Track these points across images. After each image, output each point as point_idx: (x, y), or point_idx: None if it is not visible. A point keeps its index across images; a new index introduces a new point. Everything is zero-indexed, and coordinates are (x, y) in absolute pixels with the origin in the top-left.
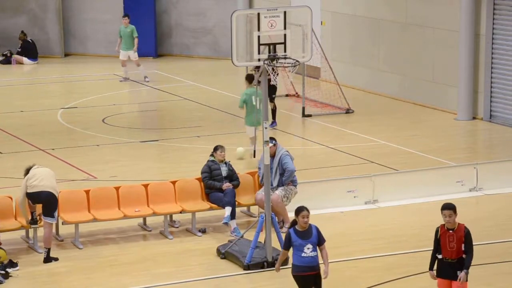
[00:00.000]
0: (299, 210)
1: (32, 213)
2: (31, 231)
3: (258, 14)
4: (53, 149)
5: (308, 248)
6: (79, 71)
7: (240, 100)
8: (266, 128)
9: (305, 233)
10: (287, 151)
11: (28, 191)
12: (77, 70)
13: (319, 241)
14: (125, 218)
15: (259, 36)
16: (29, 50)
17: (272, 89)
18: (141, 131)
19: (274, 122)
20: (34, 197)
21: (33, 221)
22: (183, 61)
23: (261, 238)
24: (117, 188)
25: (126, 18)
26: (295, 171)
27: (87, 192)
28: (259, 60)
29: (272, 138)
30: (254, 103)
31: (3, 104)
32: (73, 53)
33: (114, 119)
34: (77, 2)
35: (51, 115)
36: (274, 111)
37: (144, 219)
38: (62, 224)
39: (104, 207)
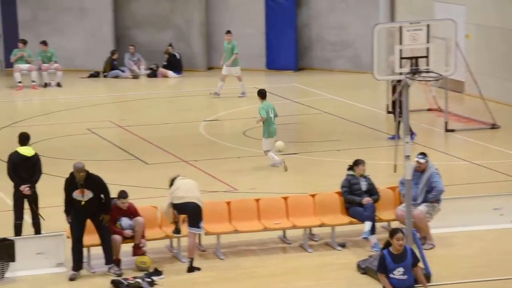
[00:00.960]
0: (394, 232)
1: (176, 223)
2: (175, 241)
3: (401, 27)
4: (195, 161)
5: (398, 271)
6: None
7: (261, 114)
8: (407, 142)
9: (399, 257)
10: (437, 169)
11: (175, 202)
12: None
13: (413, 263)
14: (265, 230)
15: (401, 50)
16: (175, 64)
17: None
18: None
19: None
20: (180, 208)
21: (177, 231)
22: (323, 75)
23: None
24: (257, 200)
25: (229, 34)
26: (443, 191)
27: (228, 203)
28: (400, 74)
29: (423, 154)
30: (270, 115)
31: (148, 116)
32: (216, 67)
33: (255, 132)
34: (221, 16)
35: (194, 127)
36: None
37: (284, 232)
38: (205, 234)
39: (245, 219)
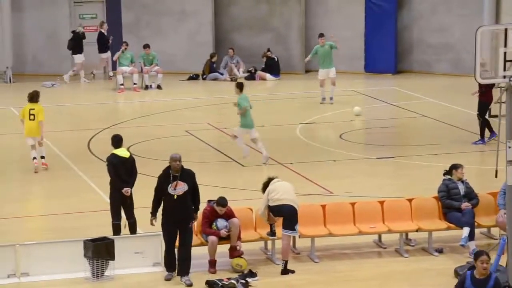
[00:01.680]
0: (479, 255)
1: (271, 225)
2: (269, 243)
3: (506, 29)
4: (291, 163)
5: None
6: (318, 88)
7: (243, 104)
8: (510, 147)
9: (481, 282)
10: None
11: (270, 204)
12: (317, 86)
13: None
14: (360, 234)
15: (505, 53)
16: (273, 67)
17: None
18: (378, 147)
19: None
20: (276, 210)
21: (272, 233)
22: (423, 78)
23: (503, 261)
24: (352, 204)
25: (323, 38)
26: None
27: (323, 206)
28: (504, 77)
29: None
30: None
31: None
32: (314, 70)
33: (351, 135)
34: (320, 20)
35: (290, 130)
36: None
37: (379, 236)
38: (299, 237)
39: (340, 222)
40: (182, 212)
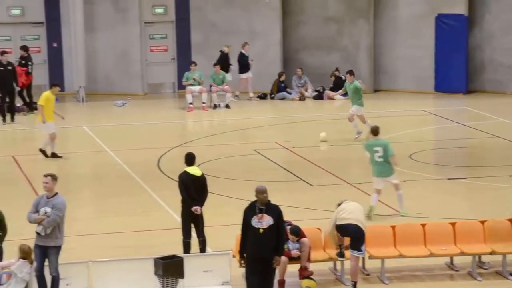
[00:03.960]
0: None
1: (340, 246)
2: (338, 263)
3: None
4: (360, 183)
5: None
6: (388, 107)
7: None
8: None
9: None
10: None
11: (337, 223)
12: (386, 106)
13: None
14: (431, 256)
15: None
16: (341, 86)
17: None
18: (449, 168)
19: None
20: (342, 230)
21: (341, 254)
22: (496, 98)
23: None
24: (423, 225)
25: (351, 75)
26: None
27: (393, 227)
28: None
29: None
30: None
31: (314, 138)
32: (383, 89)
33: (421, 155)
34: (390, 39)
35: (359, 149)
36: None
37: (451, 258)
38: (369, 258)
39: (410, 244)
40: (265, 248)
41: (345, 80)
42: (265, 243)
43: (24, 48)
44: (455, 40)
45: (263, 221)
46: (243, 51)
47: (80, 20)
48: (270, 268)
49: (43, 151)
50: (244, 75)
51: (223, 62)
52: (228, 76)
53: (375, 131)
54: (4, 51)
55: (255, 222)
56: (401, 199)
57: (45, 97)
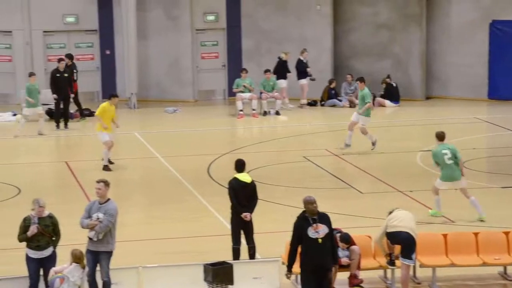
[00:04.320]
0: None
1: (390, 254)
2: (389, 271)
3: None
4: (411, 191)
5: None
6: (440, 114)
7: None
8: None
9: None
10: None
11: (388, 230)
12: (438, 113)
13: None
14: (484, 265)
15: None
16: (392, 93)
17: None
18: (502, 176)
19: None
20: (393, 237)
21: (391, 262)
22: None
23: None
24: (475, 234)
25: (362, 82)
26: None
27: (445, 236)
28: None
29: None
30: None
31: (364, 145)
32: (435, 96)
33: (474, 164)
34: (442, 46)
35: (410, 157)
36: None
37: (505, 268)
38: (420, 266)
39: (462, 253)
40: (325, 257)
41: (396, 87)
42: (325, 252)
43: (69, 56)
44: (509, 47)
45: (320, 231)
46: (302, 58)
47: (132, 28)
48: (328, 276)
49: (106, 167)
50: (302, 81)
51: (281, 69)
52: (284, 83)
53: (441, 136)
54: (62, 58)
55: (312, 233)
56: (476, 204)
57: (102, 108)
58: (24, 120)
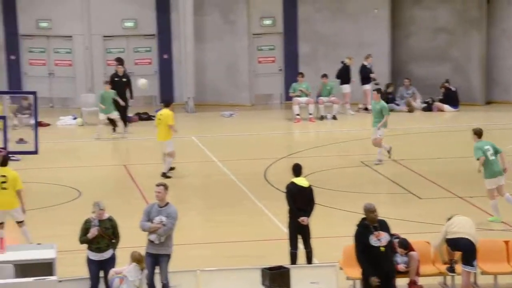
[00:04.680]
0: None
1: (450, 260)
2: (449, 278)
3: None
4: (471, 197)
5: None
6: (500, 119)
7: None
8: None
9: None
10: None
11: (448, 237)
12: (497, 118)
13: None
14: None
15: None
16: (451, 98)
17: None
18: None
19: None
20: (453, 243)
21: (451, 269)
22: None
23: None
24: None
25: (378, 93)
26: None
27: (507, 243)
28: None
29: None
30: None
31: (422, 150)
32: (495, 101)
33: None
34: (502, 50)
35: (469, 162)
36: None
37: None
38: (481, 274)
39: None
40: (389, 265)
41: (455, 91)
42: (388, 260)
43: (119, 60)
44: None
45: (382, 238)
46: (365, 63)
47: (190, 32)
48: (391, 283)
49: (165, 174)
50: (366, 86)
51: (344, 74)
52: (348, 88)
53: (479, 133)
54: (120, 62)
55: (374, 241)
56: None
57: (172, 115)
58: (102, 125)
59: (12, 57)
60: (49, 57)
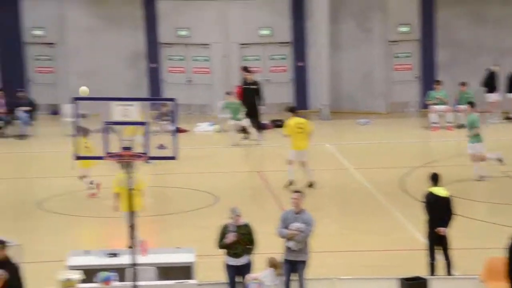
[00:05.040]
0: None
1: None
2: None
3: None
4: None
5: None
6: None
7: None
8: None
9: None
10: None
11: None
12: None
13: None
14: None
15: None
16: None
17: None
18: None
19: None
20: None
21: None
22: None
23: None
24: None
25: (472, 106)
26: None
27: None
28: None
29: None
30: None
31: None
32: None
33: None
34: None
35: None
36: None
37: None
38: None
39: None
40: None
41: None
42: None
43: (245, 68)
44: None
45: None
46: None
47: (325, 40)
48: None
49: (310, 184)
50: (510, 95)
51: (490, 82)
52: (494, 97)
53: None
54: (249, 70)
55: None
56: None
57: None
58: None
59: (153, 65)
60: (187, 64)
